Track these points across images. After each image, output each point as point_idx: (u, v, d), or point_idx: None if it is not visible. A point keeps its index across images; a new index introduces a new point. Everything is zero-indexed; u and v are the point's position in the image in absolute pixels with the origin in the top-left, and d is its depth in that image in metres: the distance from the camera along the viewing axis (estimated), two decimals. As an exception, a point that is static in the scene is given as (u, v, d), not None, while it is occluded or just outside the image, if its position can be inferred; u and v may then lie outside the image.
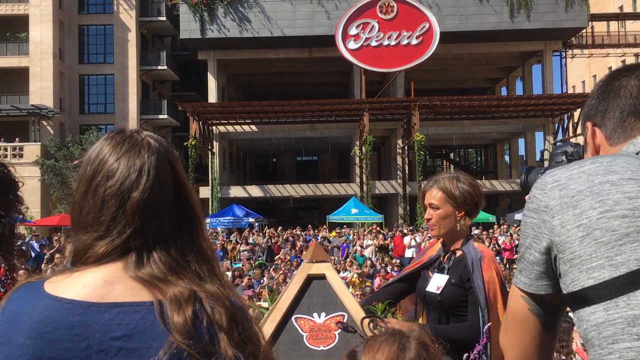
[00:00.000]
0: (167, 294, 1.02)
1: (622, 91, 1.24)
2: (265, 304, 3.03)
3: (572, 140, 31.56)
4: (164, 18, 39.52)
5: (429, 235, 19.44)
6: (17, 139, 34.61)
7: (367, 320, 2.35)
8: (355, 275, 13.38)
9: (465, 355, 2.48)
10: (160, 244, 1.07)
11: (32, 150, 33.89)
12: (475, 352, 2.48)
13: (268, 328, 2.50)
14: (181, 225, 1.11)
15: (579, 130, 31.64)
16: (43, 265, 13.68)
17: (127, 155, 1.09)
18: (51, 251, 14.92)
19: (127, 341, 0.98)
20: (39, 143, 34.14)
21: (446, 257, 2.78)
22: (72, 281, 1.03)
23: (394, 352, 1.47)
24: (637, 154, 1.18)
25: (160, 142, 1.14)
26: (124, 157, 1.08)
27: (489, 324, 2.49)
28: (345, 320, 2.50)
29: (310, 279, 2.60)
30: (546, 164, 2.00)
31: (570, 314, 1.19)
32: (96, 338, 0.98)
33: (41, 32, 35.44)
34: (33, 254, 15.09)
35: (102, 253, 1.05)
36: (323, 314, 2.54)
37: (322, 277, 2.60)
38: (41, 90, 35.26)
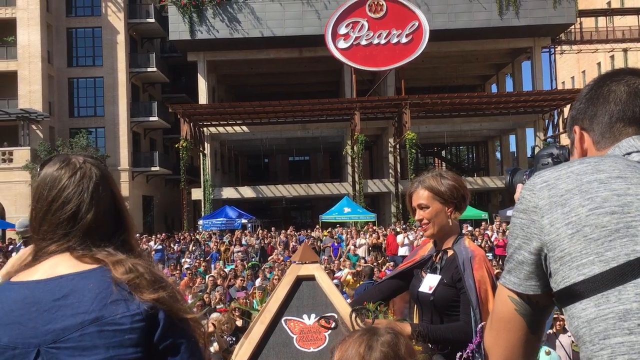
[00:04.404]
0: (107, 261, 1.36)
1: (611, 96, 1.25)
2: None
3: (564, 135, 31.70)
4: (152, 20, 39.34)
5: (420, 234, 19.52)
6: (5, 143, 34.39)
7: (354, 315, 2.31)
8: (350, 275, 13.33)
9: (459, 354, 2.45)
10: (101, 243, 1.40)
11: (21, 154, 33.66)
12: (468, 351, 2.46)
13: (258, 330, 2.46)
14: (116, 231, 1.44)
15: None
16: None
17: (80, 184, 1.41)
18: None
19: (65, 299, 1.29)
20: (29, 147, 33.90)
21: (438, 257, 2.76)
22: (30, 271, 1.38)
23: (359, 354, 1.43)
24: (623, 156, 1.19)
25: (102, 170, 1.47)
26: (78, 186, 1.41)
27: (482, 323, 2.47)
28: (334, 321, 2.46)
29: (299, 281, 2.56)
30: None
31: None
32: (42, 302, 1.29)
33: (29, 36, 35.20)
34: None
35: (53, 251, 1.39)
36: (313, 316, 2.50)
37: (311, 278, 2.56)
38: (30, 94, 35.02)
